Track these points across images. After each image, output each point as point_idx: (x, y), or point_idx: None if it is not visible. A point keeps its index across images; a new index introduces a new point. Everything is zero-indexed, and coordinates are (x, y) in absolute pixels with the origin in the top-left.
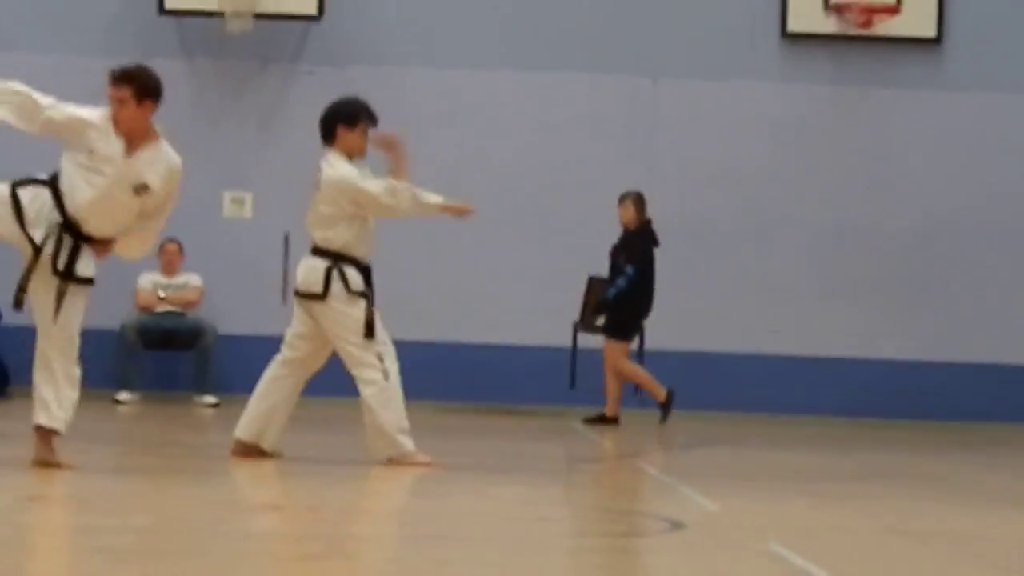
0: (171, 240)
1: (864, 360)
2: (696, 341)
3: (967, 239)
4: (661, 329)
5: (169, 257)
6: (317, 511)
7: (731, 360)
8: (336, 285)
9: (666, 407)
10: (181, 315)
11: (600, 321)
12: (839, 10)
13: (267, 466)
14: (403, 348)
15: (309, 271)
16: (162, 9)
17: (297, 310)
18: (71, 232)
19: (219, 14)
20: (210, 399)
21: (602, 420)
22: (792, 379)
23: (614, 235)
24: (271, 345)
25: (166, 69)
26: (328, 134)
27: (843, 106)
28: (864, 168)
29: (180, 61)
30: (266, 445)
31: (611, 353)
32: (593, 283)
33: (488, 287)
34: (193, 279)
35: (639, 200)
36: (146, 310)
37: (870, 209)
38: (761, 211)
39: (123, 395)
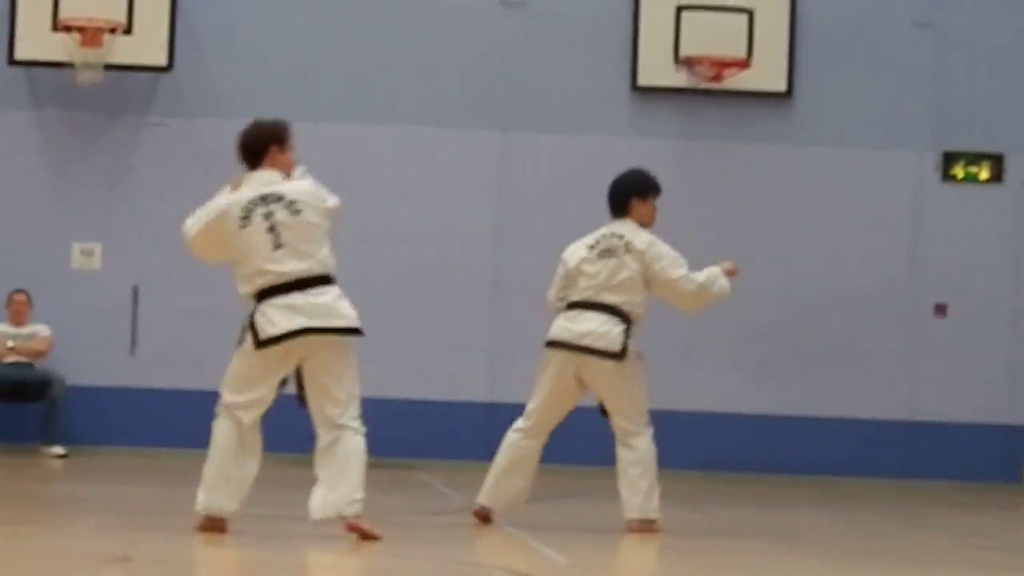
0: (19, 291)
1: (721, 415)
2: None
3: (819, 294)
4: (509, 384)
5: (17, 307)
6: (163, 563)
7: (584, 413)
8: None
9: None
10: (29, 365)
11: None
12: (689, 64)
13: (115, 518)
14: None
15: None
16: (11, 60)
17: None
18: None
19: (69, 65)
20: (58, 450)
21: None
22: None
23: (467, 286)
24: (120, 396)
25: (15, 120)
26: (621, 205)
27: (695, 160)
28: (717, 222)
29: (30, 112)
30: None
31: None
32: None
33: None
34: (42, 329)
35: None
36: None
37: (719, 261)
38: None
39: None
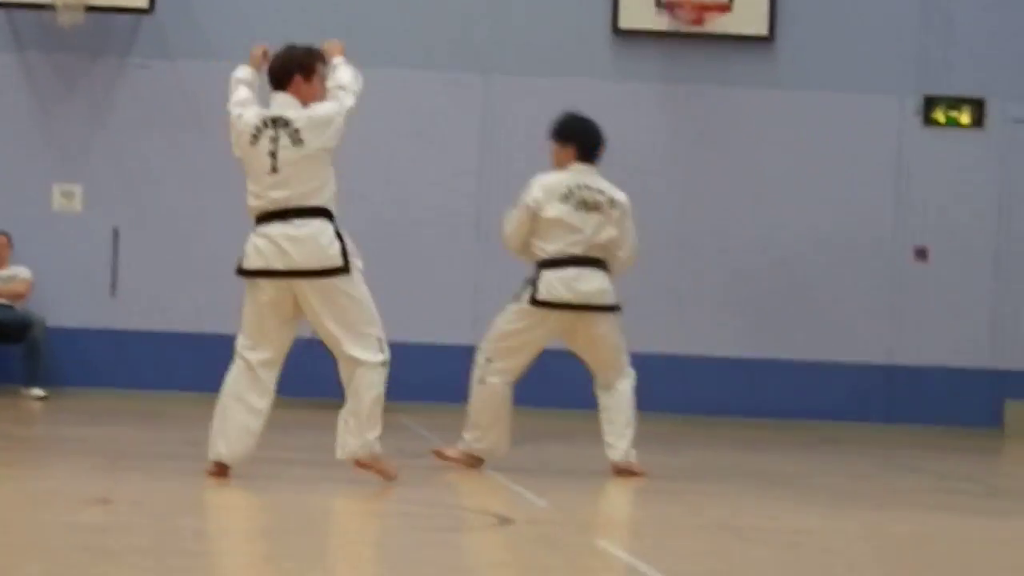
0: None
1: (706, 358)
2: None
3: (801, 238)
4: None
5: None
6: (143, 504)
7: (563, 356)
8: None
9: None
10: (9, 307)
11: None
12: (670, 7)
13: (95, 459)
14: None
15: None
16: None
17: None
18: None
19: (50, 7)
20: (38, 392)
21: None
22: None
23: (450, 229)
24: (100, 338)
25: None
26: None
27: (676, 104)
28: (698, 166)
29: (10, 54)
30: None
31: None
32: None
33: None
34: (22, 271)
35: None
36: None
37: (705, 208)
38: None
39: None
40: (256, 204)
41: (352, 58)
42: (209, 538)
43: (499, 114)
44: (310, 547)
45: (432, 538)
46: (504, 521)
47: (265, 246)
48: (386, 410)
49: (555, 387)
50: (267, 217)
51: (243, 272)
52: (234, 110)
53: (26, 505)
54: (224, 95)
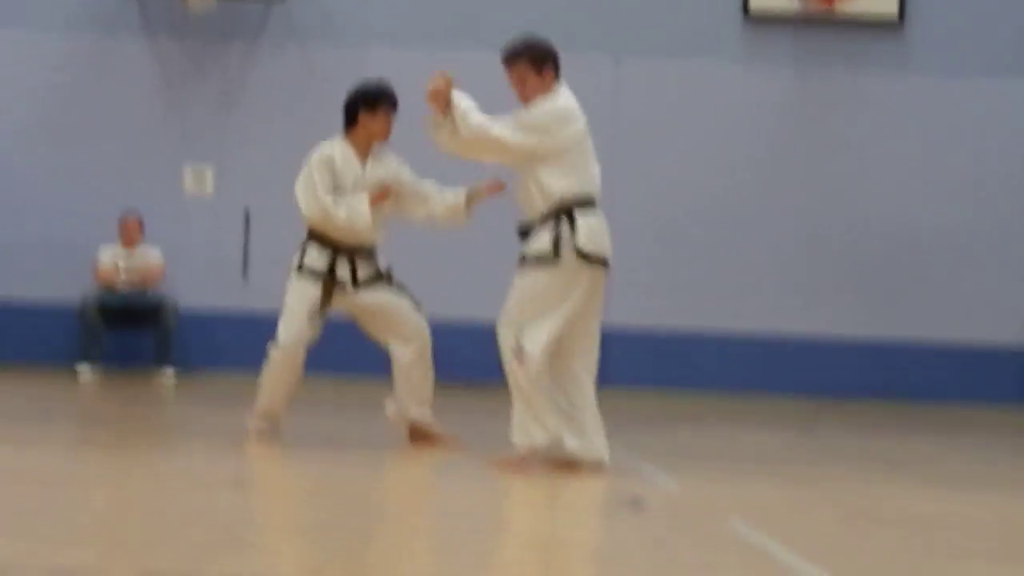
0: (131, 212)
1: (830, 340)
2: (660, 318)
3: (933, 224)
4: (627, 308)
5: (129, 231)
6: (275, 486)
7: (695, 339)
8: None
9: None
10: (141, 290)
11: None
12: None
13: (226, 442)
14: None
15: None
16: None
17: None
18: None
19: None
20: (170, 373)
21: None
22: (755, 359)
23: None
24: (231, 320)
25: (128, 47)
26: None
27: (805, 87)
28: (826, 149)
29: (142, 40)
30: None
31: None
32: None
33: (453, 265)
34: (153, 253)
35: None
36: (106, 285)
37: (833, 191)
38: (726, 190)
39: (83, 369)
40: (585, 190)
41: (482, 40)
42: (340, 518)
43: (629, 96)
44: (453, 529)
45: (565, 521)
46: (637, 502)
47: (600, 231)
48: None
49: (681, 367)
50: (590, 203)
51: (588, 256)
52: (555, 102)
53: (161, 486)
54: (355, 79)
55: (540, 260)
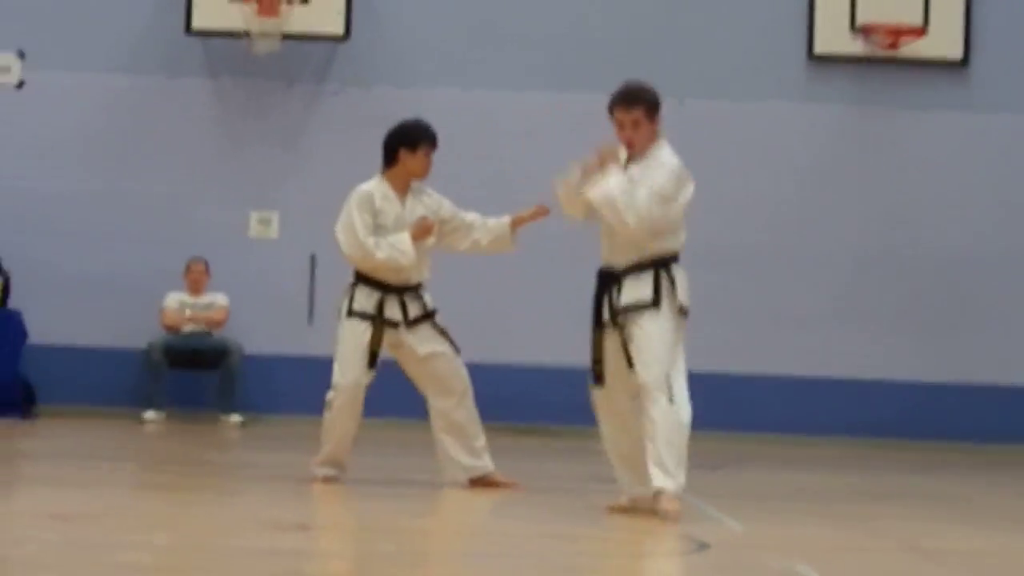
0: (198, 259)
1: (882, 381)
2: (716, 363)
3: (991, 264)
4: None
5: (196, 276)
6: (341, 529)
7: (751, 381)
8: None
9: None
10: (207, 334)
11: None
12: (865, 32)
13: (291, 485)
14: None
15: None
16: (189, 28)
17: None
18: None
19: (245, 34)
20: (236, 418)
21: None
22: (810, 400)
23: None
24: (296, 365)
25: (191, 88)
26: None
27: (869, 128)
28: (889, 191)
29: (205, 80)
30: None
31: None
32: None
33: (511, 309)
34: (219, 298)
35: None
36: (172, 329)
37: (894, 233)
38: (784, 232)
39: (149, 414)
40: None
41: (548, 83)
42: (406, 563)
43: (693, 138)
44: (510, 573)
45: (629, 564)
46: (702, 546)
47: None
48: (579, 435)
49: (738, 409)
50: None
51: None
52: (673, 159)
53: (224, 529)
54: (416, 115)
55: (642, 307)
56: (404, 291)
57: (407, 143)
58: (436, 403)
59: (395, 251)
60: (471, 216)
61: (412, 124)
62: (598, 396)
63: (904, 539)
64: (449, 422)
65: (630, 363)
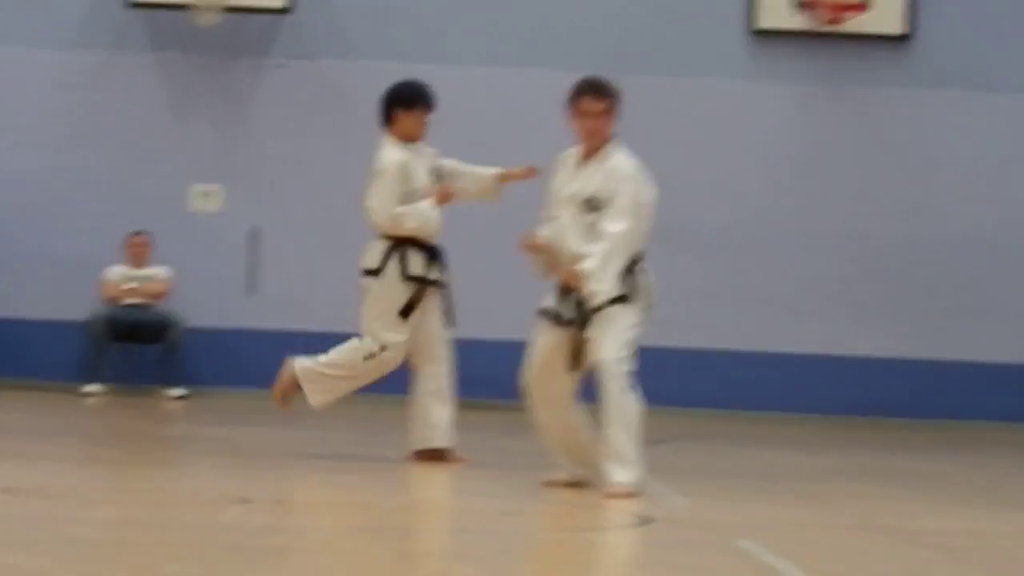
0: (140, 232)
1: (843, 357)
2: (674, 338)
3: (938, 238)
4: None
5: (138, 249)
6: (283, 504)
7: (709, 357)
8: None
9: None
10: (149, 307)
11: None
12: (808, 7)
13: (234, 459)
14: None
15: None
16: (130, 3)
17: None
18: None
19: (188, 7)
20: (178, 391)
21: None
22: (769, 376)
23: None
24: (239, 338)
25: (135, 63)
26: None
27: (812, 104)
28: (832, 165)
29: (149, 55)
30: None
31: None
32: None
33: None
34: (161, 271)
35: None
36: (113, 302)
37: (839, 207)
38: (729, 207)
39: (91, 387)
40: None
41: (491, 57)
42: (349, 536)
43: (634, 114)
44: (455, 547)
45: (573, 538)
46: (645, 520)
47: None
48: (523, 410)
49: (712, 385)
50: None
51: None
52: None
53: (167, 504)
54: (363, 93)
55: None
56: (437, 253)
57: (403, 103)
58: (426, 368)
59: (423, 219)
60: (461, 164)
61: (408, 84)
62: (532, 384)
63: (859, 516)
64: (438, 387)
65: (573, 366)
